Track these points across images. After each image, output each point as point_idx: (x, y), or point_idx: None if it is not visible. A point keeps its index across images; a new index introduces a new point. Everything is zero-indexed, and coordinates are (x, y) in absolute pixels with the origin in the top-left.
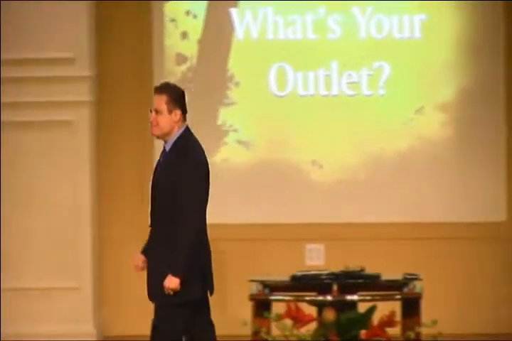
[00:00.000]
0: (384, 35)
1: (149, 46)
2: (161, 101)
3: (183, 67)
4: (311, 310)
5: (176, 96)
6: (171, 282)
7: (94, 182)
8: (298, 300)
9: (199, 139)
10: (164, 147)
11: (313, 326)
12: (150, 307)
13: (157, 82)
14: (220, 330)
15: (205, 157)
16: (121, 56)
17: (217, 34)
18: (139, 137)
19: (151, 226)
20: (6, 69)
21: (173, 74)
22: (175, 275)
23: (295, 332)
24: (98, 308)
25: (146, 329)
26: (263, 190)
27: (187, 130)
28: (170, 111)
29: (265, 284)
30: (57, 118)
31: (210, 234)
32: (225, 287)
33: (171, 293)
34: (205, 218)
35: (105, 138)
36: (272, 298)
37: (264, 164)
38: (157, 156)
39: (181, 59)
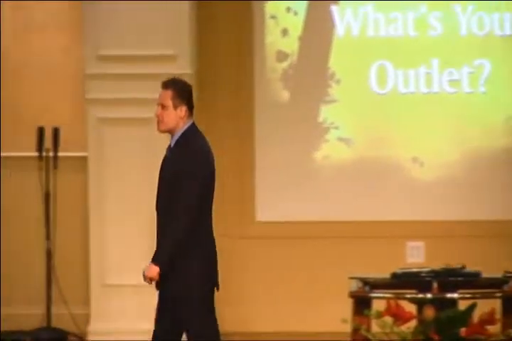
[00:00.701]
0: (485, 33)
1: (250, 43)
2: (167, 97)
3: (284, 64)
4: (411, 308)
5: (182, 92)
6: (150, 271)
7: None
8: (398, 298)
9: (300, 136)
10: (170, 142)
11: (413, 324)
12: (241, 304)
13: (258, 79)
14: (319, 327)
15: (209, 150)
16: (221, 53)
17: (317, 31)
18: (238, 134)
19: (158, 221)
20: (106, 65)
21: (274, 71)
22: (155, 264)
23: (395, 329)
24: None
25: (238, 326)
26: (363, 187)
27: (193, 125)
28: (175, 107)
29: (365, 281)
30: None
31: (311, 231)
32: (326, 284)
33: (150, 282)
34: (194, 216)
35: (205, 134)
36: (372, 295)
37: (365, 161)
38: (257, 153)
39: (282, 56)
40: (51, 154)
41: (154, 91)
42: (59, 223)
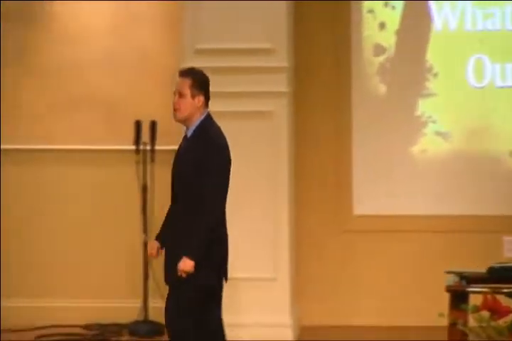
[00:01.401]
0: None
1: (347, 37)
2: (185, 85)
3: (381, 58)
4: (509, 303)
5: (201, 82)
6: (186, 264)
7: (292, 171)
8: (495, 292)
9: (397, 130)
10: (186, 133)
11: (510, 318)
12: (342, 298)
13: (355, 73)
14: (416, 321)
15: (227, 143)
16: (318, 47)
17: (415, 25)
18: (335, 128)
19: (171, 212)
20: (203, 59)
21: (371, 65)
22: (189, 258)
23: (492, 323)
24: (295, 299)
25: (340, 319)
26: (460, 181)
27: (209, 116)
28: (193, 96)
29: (462, 276)
30: (255, 109)
31: (407, 225)
32: (421, 278)
33: (184, 275)
34: (224, 204)
35: (302, 128)
36: (469, 289)
37: (462, 155)
38: (354, 147)
39: (379, 50)
40: (148, 147)
41: (251, 84)
42: (155, 216)
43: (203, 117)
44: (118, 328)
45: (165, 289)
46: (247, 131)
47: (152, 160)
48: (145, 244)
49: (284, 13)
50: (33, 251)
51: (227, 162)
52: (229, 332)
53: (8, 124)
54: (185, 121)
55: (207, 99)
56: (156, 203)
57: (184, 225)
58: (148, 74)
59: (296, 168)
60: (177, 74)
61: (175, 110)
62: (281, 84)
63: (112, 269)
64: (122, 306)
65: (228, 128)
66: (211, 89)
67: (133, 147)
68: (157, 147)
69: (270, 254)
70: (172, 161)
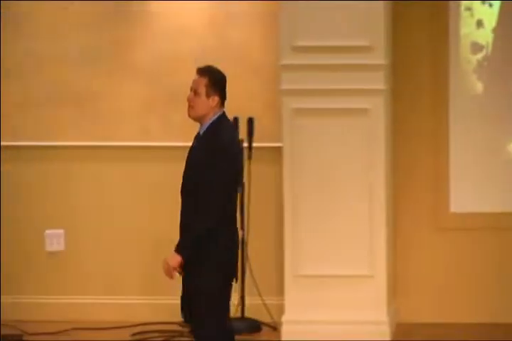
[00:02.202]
0: None
1: (445, 35)
2: (201, 84)
3: (479, 56)
4: None
5: (217, 82)
6: (172, 259)
7: (389, 168)
8: None
9: (494, 127)
10: (199, 131)
11: None
12: (440, 294)
13: (453, 71)
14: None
15: (237, 140)
16: (416, 44)
17: (511, 23)
18: (432, 125)
19: (181, 211)
20: (301, 56)
21: (469, 62)
22: (178, 253)
23: None
24: (391, 296)
25: (437, 317)
26: None
27: (223, 116)
28: (208, 96)
29: None
30: (352, 106)
31: (505, 222)
32: None
33: (169, 269)
34: (224, 203)
35: (399, 126)
36: None
37: None
38: (452, 144)
39: (476, 48)
40: (246, 144)
41: (348, 82)
42: (253, 213)
43: (216, 117)
44: None
45: (262, 286)
46: (343, 128)
47: (249, 157)
48: (242, 241)
49: (382, 11)
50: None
51: (228, 166)
52: (325, 329)
53: (100, 122)
54: (198, 119)
55: (222, 98)
56: (253, 200)
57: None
58: (245, 71)
59: (392, 166)
60: (195, 71)
61: (189, 107)
62: (378, 81)
63: None
64: None
65: (324, 126)
66: (310, 86)
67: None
68: (255, 144)
69: (367, 252)
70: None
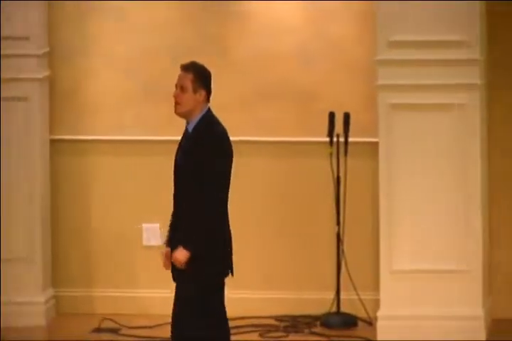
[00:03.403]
0: None
1: None
2: (187, 79)
3: None
4: None
5: (203, 77)
6: (180, 254)
7: (485, 162)
8: None
9: None
10: (186, 127)
11: None
12: None
13: None
14: None
15: (228, 136)
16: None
17: None
18: None
19: (174, 209)
20: (397, 51)
21: None
22: (185, 248)
23: None
24: (487, 291)
25: None
26: None
27: (209, 111)
28: (195, 91)
29: None
30: (447, 101)
31: None
32: None
33: (177, 264)
34: (225, 197)
35: (494, 121)
36: None
37: None
38: None
39: None
40: (342, 139)
41: (443, 77)
42: (349, 209)
43: (204, 112)
44: (310, 320)
45: (358, 281)
46: (438, 123)
47: (345, 152)
48: (338, 236)
49: (478, 6)
50: None
51: (227, 156)
52: (420, 324)
53: None
54: (186, 116)
55: (208, 93)
56: (349, 195)
57: (186, 218)
58: (341, 66)
59: (490, 161)
60: (179, 68)
61: (176, 103)
62: (473, 76)
63: (304, 261)
64: (315, 298)
65: (420, 121)
66: (406, 81)
67: (326, 139)
68: (351, 139)
69: (462, 246)
70: (174, 156)
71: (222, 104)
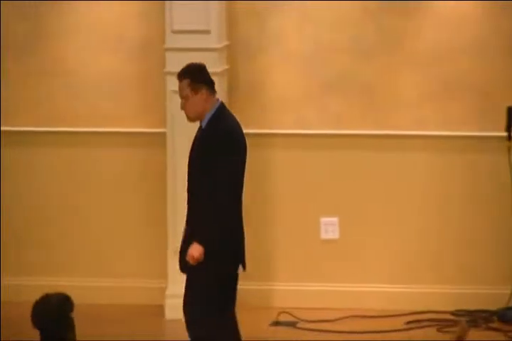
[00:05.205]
0: None
1: None
2: (184, 88)
3: None
4: None
5: (197, 75)
6: (195, 249)
7: None
8: None
9: None
10: (201, 123)
11: None
12: None
13: None
14: None
15: (240, 129)
16: None
17: None
18: None
19: (188, 202)
20: None
21: None
22: (199, 243)
23: None
24: None
25: None
26: None
27: (222, 105)
28: (195, 92)
29: None
30: None
31: None
32: None
33: (191, 260)
34: (237, 191)
35: None
36: None
37: None
38: None
39: None
40: (505, 134)
41: None
42: None
43: (215, 108)
44: (487, 315)
45: None
46: None
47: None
48: None
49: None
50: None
51: (236, 152)
52: None
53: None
54: (199, 118)
55: (209, 86)
56: None
57: (198, 214)
58: None
59: None
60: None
61: (185, 113)
62: None
63: (480, 255)
64: (491, 293)
65: None
66: None
67: (504, 133)
68: None
69: None
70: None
71: (411, 98)
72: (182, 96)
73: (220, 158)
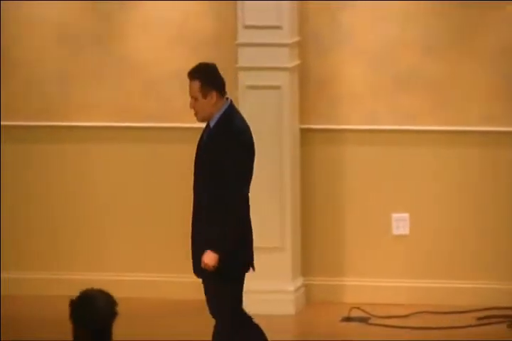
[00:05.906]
0: None
1: None
2: (195, 88)
3: None
4: None
5: (208, 78)
6: (208, 258)
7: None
8: None
9: None
10: (208, 122)
11: None
12: None
13: None
14: None
15: (248, 129)
16: None
17: None
18: None
19: (194, 202)
20: None
21: None
22: (213, 251)
23: None
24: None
25: None
26: None
27: (231, 105)
28: (205, 96)
29: None
30: None
31: None
32: None
33: (209, 269)
34: (247, 193)
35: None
36: None
37: None
38: None
39: None
40: None
41: None
42: None
43: (223, 109)
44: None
45: None
46: None
47: None
48: None
49: None
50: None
51: (246, 151)
52: None
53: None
54: (207, 119)
55: (220, 90)
56: None
57: (207, 213)
58: None
59: None
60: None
61: (195, 113)
62: None
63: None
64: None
65: None
66: None
67: None
68: None
69: None
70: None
71: (480, 94)
72: (191, 96)
73: (229, 158)
